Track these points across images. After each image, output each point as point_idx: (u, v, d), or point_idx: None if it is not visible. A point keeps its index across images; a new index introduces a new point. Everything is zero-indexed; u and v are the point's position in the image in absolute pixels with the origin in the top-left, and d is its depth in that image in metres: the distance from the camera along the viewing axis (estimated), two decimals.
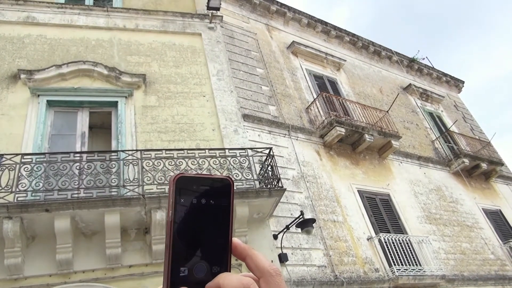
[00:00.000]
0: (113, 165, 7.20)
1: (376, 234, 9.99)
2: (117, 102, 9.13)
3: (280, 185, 7.72)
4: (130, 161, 7.25)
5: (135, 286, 6.70)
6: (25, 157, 6.81)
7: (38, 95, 8.60)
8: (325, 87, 13.75)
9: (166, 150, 7.61)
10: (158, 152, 7.53)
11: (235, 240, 0.60)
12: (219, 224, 0.60)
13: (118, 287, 6.60)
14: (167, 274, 0.56)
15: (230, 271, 0.60)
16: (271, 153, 8.01)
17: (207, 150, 7.87)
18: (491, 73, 66.70)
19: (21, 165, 6.60)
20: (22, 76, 8.67)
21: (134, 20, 11.01)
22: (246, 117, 10.20)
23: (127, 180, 6.99)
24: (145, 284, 6.78)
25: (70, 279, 6.51)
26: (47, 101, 8.61)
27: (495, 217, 14.13)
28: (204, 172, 7.30)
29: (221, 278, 0.57)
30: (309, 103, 12.51)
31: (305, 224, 8.00)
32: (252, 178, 7.82)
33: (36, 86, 8.67)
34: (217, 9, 11.79)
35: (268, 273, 0.56)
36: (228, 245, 0.60)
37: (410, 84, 17.74)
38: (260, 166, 8.37)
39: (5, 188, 6.27)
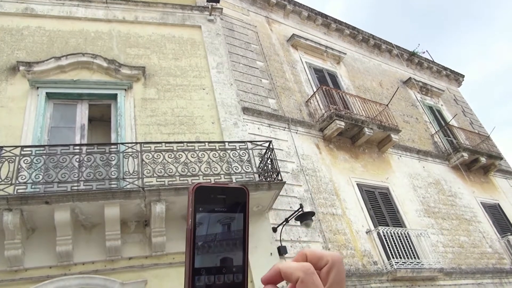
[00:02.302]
0: (113, 158, 7.20)
1: (375, 227, 10.03)
2: (116, 94, 9.11)
3: (279, 178, 7.74)
4: (130, 153, 7.25)
5: (135, 278, 6.74)
6: (24, 149, 6.80)
7: (37, 87, 8.58)
8: (325, 81, 13.71)
9: (166, 143, 7.61)
10: (158, 145, 7.52)
11: (264, 277, 0.59)
12: (235, 232, 0.62)
13: (118, 279, 6.64)
14: (189, 281, 0.58)
15: (247, 277, 0.61)
16: (271, 146, 8.01)
17: (206, 143, 7.87)
18: (490, 68, 66.66)
19: (21, 157, 6.60)
20: (21, 68, 8.64)
21: (133, 12, 10.95)
22: (245, 110, 10.19)
23: (127, 172, 7.00)
24: (145, 276, 6.82)
25: (70, 271, 6.55)
26: (46, 93, 8.58)
27: (494, 211, 14.19)
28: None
29: (277, 265, 0.58)
30: (309, 97, 12.49)
31: (304, 217, 8.02)
32: (251, 171, 7.84)
33: (35, 78, 8.64)
34: (217, 1, 11.73)
35: (305, 271, 0.55)
36: (245, 251, 0.62)
37: (410, 77, 17.71)
38: (260, 159, 8.37)
39: (5, 180, 6.27)
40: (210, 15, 11.86)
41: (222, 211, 0.61)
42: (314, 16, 16.01)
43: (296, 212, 8.09)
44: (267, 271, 0.59)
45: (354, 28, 17.25)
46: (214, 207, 0.61)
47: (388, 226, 10.34)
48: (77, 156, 7.00)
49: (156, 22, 11.05)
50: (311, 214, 8.14)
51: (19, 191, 6.33)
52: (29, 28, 9.63)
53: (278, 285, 0.60)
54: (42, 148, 7.12)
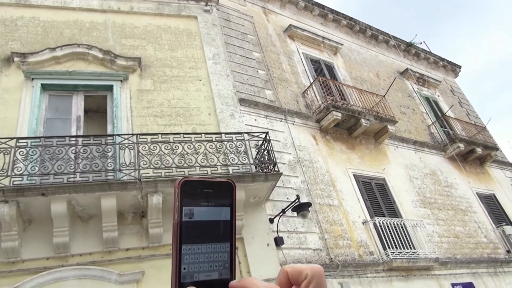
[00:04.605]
0: (109, 149, 7.17)
1: (371, 218, 10.09)
2: (112, 86, 9.05)
3: (276, 169, 7.74)
4: (126, 145, 7.23)
5: (132, 269, 6.76)
6: (20, 141, 6.76)
7: (32, 79, 8.51)
8: (322, 72, 13.68)
9: (162, 134, 7.58)
10: (154, 136, 7.50)
11: (231, 284, 0.60)
12: (222, 225, 0.63)
13: (115, 270, 6.65)
14: (175, 275, 0.58)
15: (235, 270, 0.62)
16: (267, 137, 8.00)
17: (203, 135, 7.85)
18: (485, 59, 66.65)
19: (16, 149, 6.56)
20: (16, 59, 8.56)
21: (128, 2, 10.84)
22: (242, 101, 10.16)
23: (123, 164, 6.98)
24: (142, 267, 6.84)
25: (68, 262, 6.56)
26: (42, 84, 8.52)
27: (489, 201, 14.28)
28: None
29: (248, 283, 0.58)
30: (306, 88, 12.46)
31: (301, 208, 8.06)
32: (248, 163, 7.84)
33: (30, 70, 8.57)
34: None
35: None
36: (232, 244, 0.63)
37: (407, 68, 17.68)
38: (257, 150, 8.37)
39: (1, 172, 6.24)
40: (206, 5, 11.76)
41: (209, 205, 0.62)
42: (311, 6, 15.92)
43: (293, 203, 8.12)
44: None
45: (351, 18, 17.16)
46: (201, 201, 0.61)
47: (384, 216, 10.40)
48: (73, 148, 6.97)
49: (151, 12, 10.95)
50: (308, 205, 8.18)
51: (15, 183, 6.31)
52: (23, 18, 9.52)
53: None
54: (37, 140, 7.08)
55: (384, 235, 9.75)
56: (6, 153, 6.44)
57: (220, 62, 10.63)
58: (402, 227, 10.24)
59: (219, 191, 0.63)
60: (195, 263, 0.59)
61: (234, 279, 0.61)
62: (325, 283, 0.58)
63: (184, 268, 0.58)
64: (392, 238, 9.78)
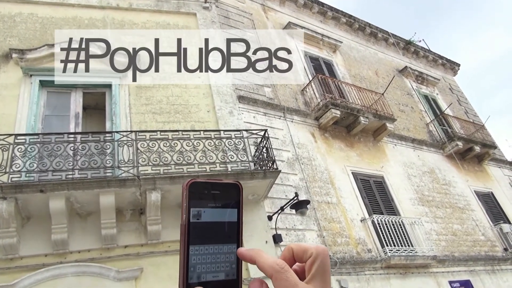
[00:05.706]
0: (108, 146, 7.16)
1: (369, 216, 10.11)
2: (111, 82, 9.02)
3: (275, 167, 7.75)
4: (125, 142, 7.23)
5: (130, 266, 6.77)
6: (18, 137, 6.75)
7: (31, 75, 8.48)
8: (321, 69, 13.66)
9: (161, 131, 7.58)
10: (153, 133, 7.50)
11: (240, 250, 0.62)
12: (229, 226, 0.63)
13: (114, 267, 6.66)
14: (183, 275, 0.59)
15: (241, 272, 0.63)
16: (266, 135, 8.01)
17: (202, 132, 7.85)
18: (483, 56, 66.64)
19: (15, 145, 6.55)
20: (14, 55, 8.53)
21: None
22: (241, 98, 10.14)
23: (122, 161, 6.98)
24: (140, 264, 6.85)
25: (66, 259, 6.56)
26: (40, 81, 8.49)
27: (487, 199, 14.32)
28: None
29: (256, 254, 0.60)
30: (305, 85, 12.45)
31: (299, 206, 8.06)
32: (247, 160, 7.84)
33: (28, 66, 8.54)
34: None
35: (275, 270, 0.58)
36: (239, 245, 0.64)
37: (406, 66, 17.67)
38: (255, 148, 8.37)
39: None
40: (205, 2, 11.73)
41: (216, 206, 0.62)
42: (310, 4, 15.88)
43: (292, 201, 8.13)
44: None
45: (350, 16, 17.14)
46: (208, 202, 0.62)
47: (383, 214, 10.42)
48: (72, 145, 6.96)
49: (150, 9, 10.92)
50: (306, 202, 8.18)
51: (13, 179, 6.30)
52: (21, 14, 9.49)
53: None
54: (36, 137, 7.08)
55: (382, 233, 9.77)
56: (4, 149, 6.43)
57: None
58: (400, 225, 10.27)
59: (226, 192, 0.64)
60: (202, 264, 0.60)
61: (241, 280, 0.62)
62: (329, 263, 0.59)
63: (192, 269, 0.59)
64: (390, 236, 9.80)
